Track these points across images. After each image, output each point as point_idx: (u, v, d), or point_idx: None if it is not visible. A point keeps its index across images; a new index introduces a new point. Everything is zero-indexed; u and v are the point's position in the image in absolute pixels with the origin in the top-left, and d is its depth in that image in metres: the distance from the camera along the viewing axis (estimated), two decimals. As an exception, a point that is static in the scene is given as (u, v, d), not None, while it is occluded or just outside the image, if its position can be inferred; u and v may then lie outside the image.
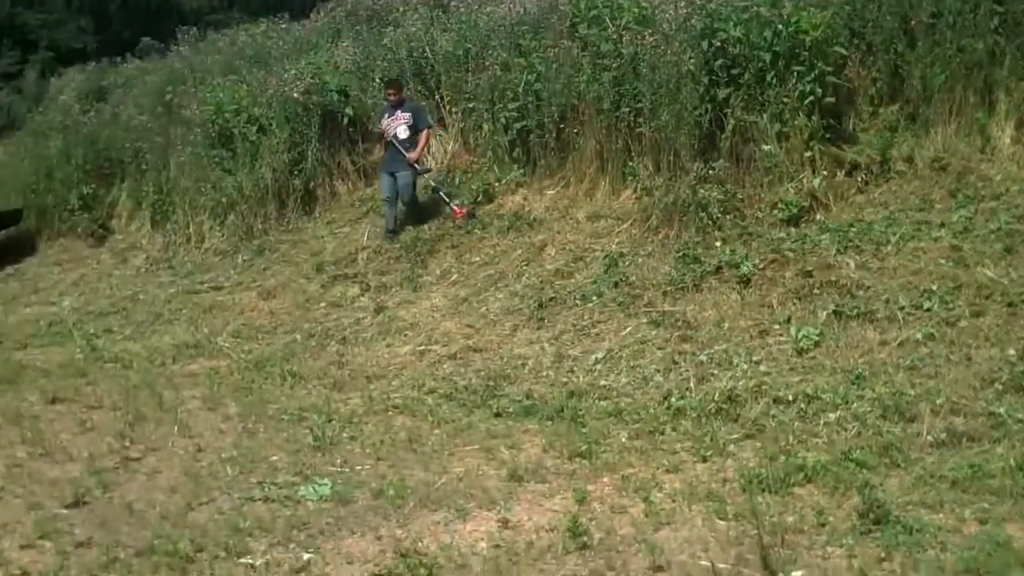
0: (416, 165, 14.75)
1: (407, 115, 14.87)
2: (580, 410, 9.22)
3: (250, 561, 6.52)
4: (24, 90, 31.13)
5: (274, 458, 8.65)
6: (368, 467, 8.37)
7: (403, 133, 14.77)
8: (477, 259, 13.17)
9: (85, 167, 20.59)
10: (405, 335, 11.97)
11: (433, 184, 14.97)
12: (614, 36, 13.36)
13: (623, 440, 8.48)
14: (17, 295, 17.94)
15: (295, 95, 16.82)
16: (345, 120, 16.65)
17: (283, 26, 21.93)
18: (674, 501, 7.14)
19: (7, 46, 47.49)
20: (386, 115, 15.07)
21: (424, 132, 14.89)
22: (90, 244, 19.67)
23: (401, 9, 19.44)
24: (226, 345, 12.74)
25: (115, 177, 20.45)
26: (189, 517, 7.43)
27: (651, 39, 12.82)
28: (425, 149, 15.21)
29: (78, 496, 7.77)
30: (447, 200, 14.53)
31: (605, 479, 7.70)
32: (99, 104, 24.20)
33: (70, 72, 29.43)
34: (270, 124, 17.01)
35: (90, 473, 8.35)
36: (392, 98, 15.15)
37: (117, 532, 7.12)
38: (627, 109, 12.98)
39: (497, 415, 9.44)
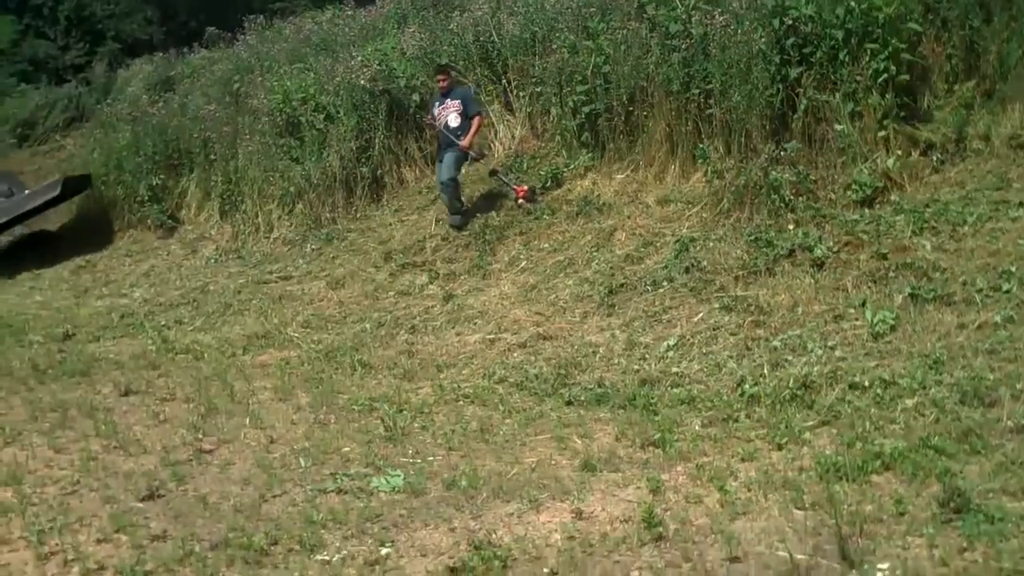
0: (470, 152, 14.76)
1: (456, 102, 14.82)
2: (652, 398, 9.11)
3: (326, 557, 6.47)
4: (92, 81, 31.31)
5: (346, 449, 8.63)
6: (440, 457, 8.32)
7: (454, 121, 14.72)
8: (546, 245, 13.08)
9: (154, 158, 20.73)
10: (474, 323, 11.94)
11: (492, 167, 14.98)
12: (683, 16, 13.23)
13: (696, 428, 8.36)
14: (89, 287, 18.12)
15: (362, 82, 16.86)
16: (412, 107, 16.62)
17: (349, 13, 22.00)
18: (749, 490, 7.00)
19: (75, 38, 48.01)
20: (436, 104, 15.07)
21: (476, 119, 14.80)
22: (160, 235, 19.85)
23: (467, -7, 19.42)
24: (296, 335, 12.77)
25: (184, 168, 20.58)
26: (263, 509, 7.41)
27: (721, 18, 12.68)
28: (478, 136, 15.15)
29: (152, 489, 7.76)
30: (507, 182, 14.58)
31: (679, 468, 7.57)
32: (167, 95, 24.42)
33: (137, 63, 29.73)
34: (337, 112, 17.08)
35: (164, 465, 8.37)
36: (442, 84, 15.09)
37: (192, 525, 7.11)
38: (697, 90, 12.83)
39: (568, 404, 9.37)
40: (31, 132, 30.80)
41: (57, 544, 6.76)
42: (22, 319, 15.34)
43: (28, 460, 8.62)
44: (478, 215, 14.43)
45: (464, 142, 14.53)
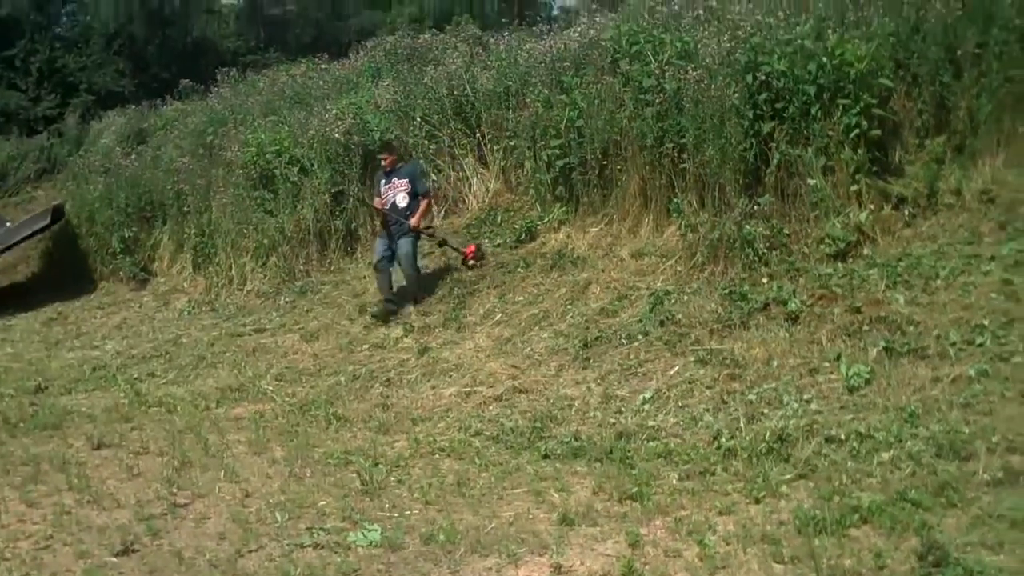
0: (423, 232, 14.44)
1: (404, 181, 14.40)
2: (629, 451, 9.07)
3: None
4: (65, 133, 31.30)
5: (322, 503, 8.58)
6: (417, 511, 8.28)
7: (402, 201, 14.30)
8: (521, 298, 13.10)
9: (127, 210, 20.73)
10: (450, 376, 11.90)
11: (440, 238, 14.71)
12: (656, 71, 13.28)
13: (674, 482, 8.33)
14: (61, 339, 18.02)
15: (336, 135, 16.91)
16: (386, 160, 16.54)
17: (323, 66, 22.11)
18: (728, 544, 7.00)
19: (47, 89, 47.95)
20: (382, 183, 14.58)
21: (425, 200, 14.44)
22: (132, 287, 19.83)
23: (441, 47, 19.57)
24: (270, 388, 12.71)
25: (157, 220, 20.58)
26: (239, 564, 7.38)
27: (694, 74, 12.71)
28: (427, 215, 14.83)
29: (127, 544, 7.73)
30: (456, 248, 14.43)
31: (657, 522, 7.57)
32: (140, 147, 24.43)
33: (110, 115, 29.72)
34: (311, 164, 17.13)
35: (138, 520, 8.33)
36: (386, 162, 14.64)
37: (167, 581, 7.07)
38: (671, 145, 12.88)
39: (545, 457, 9.32)
40: (2, 183, 30.68)
41: (31, 600, 6.71)
42: (-7, 372, 15.25)
43: (0, 515, 8.56)
44: (450, 269, 14.40)
45: (413, 221, 14.13)
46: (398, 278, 14.26)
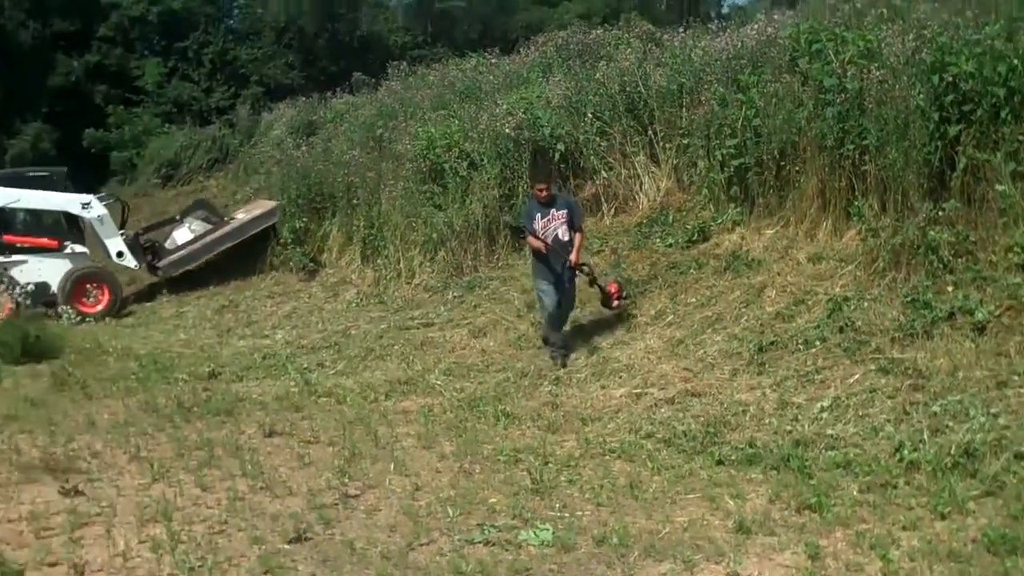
0: (582, 268, 13.14)
1: (563, 212, 12.96)
2: (807, 460, 8.86)
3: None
4: (236, 124, 31.87)
5: (492, 500, 8.55)
6: (588, 512, 8.19)
7: (564, 235, 12.90)
8: (693, 300, 12.90)
9: (297, 201, 21.02)
10: (620, 377, 11.79)
11: (591, 276, 13.34)
12: (838, 70, 12.93)
13: (854, 493, 8.12)
14: (231, 327, 18.39)
15: (507, 130, 16.87)
16: (556, 156, 16.53)
17: (493, 61, 22.06)
18: (913, 560, 6.78)
19: (219, 81, 49.02)
20: (538, 215, 12.93)
21: (580, 233, 13.23)
22: (301, 278, 20.10)
23: (613, 43, 19.39)
24: (438, 383, 12.75)
25: (326, 211, 20.78)
26: (410, 557, 7.35)
27: (877, 73, 12.36)
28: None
29: (300, 532, 7.76)
30: (601, 287, 13.25)
31: (838, 534, 7.38)
32: (310, 138, 24.73)
33: (280, 107, 30.15)
34: (481, 159, 17.11)
35: (310, 508, 8.38)
36: (543, 195, 13.01)
37: (340, 571, 7.11)
38: (851, 146, 12.52)
39: (719, 462, 9.18)
40: (175, 172, 31.49)
41: (207, 584, 6.77)
42: (167, 357, 15.57)
43: (176, 497, 8.70)
44: (623, 266, 14.23)
45: (573, 257, 12.90)
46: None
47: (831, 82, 12.90)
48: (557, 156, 16.51)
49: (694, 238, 14.14)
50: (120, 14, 50.51)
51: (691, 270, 13.55)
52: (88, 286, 21.07)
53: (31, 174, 22.72)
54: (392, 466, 9.52)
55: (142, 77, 49.03)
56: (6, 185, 21.31)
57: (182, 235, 22.43)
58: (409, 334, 15.10)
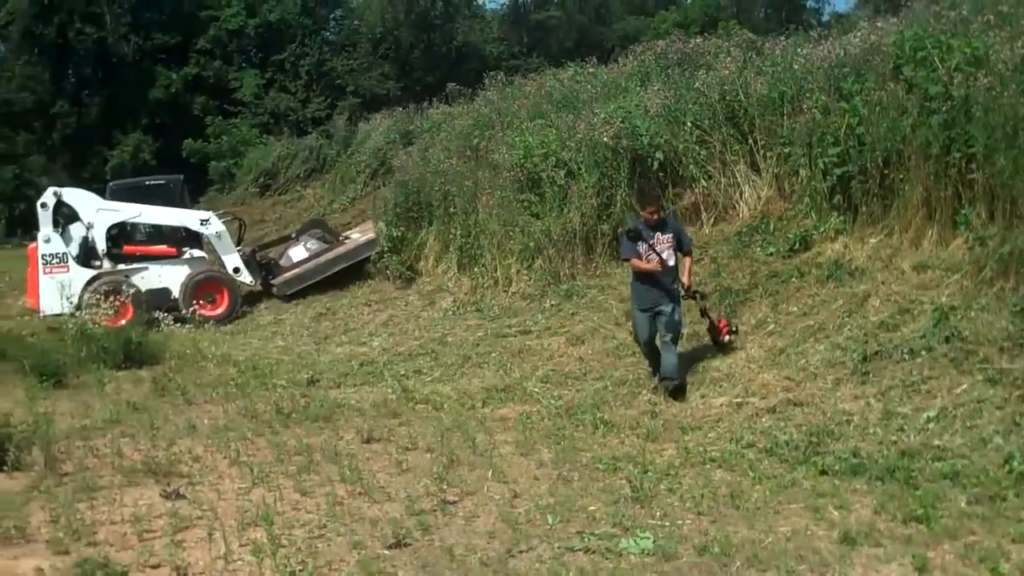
0: (694, 295, 12.70)
1: (669, 236, 12.24)
2: (913, 471, 8.69)
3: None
4: (333, 134, 32.17)
5: (592, 508, 8.50)
6: (689, 521, 8.12)
7: (671, 259, 12.17)
8: (794, 309, 12.72)
9: (395, 210, 21.06)
10: (720, 386, 11.70)
11: (703, 303, 12.91)
12: (943, 78, 12.68)
13: (962, 505, 7.95)
14: (329, 334, 18.57)
15: (605, 139, 16.78)
16: (655, 165, 16.41)
17: (591, 70, 21.99)
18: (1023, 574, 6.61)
19: (315, 91, 49.57)
20: (644, 238, 12.16)
21: (689, 257, 12.59)
22: (398, 286, 20.27)
23: (713, 52, 19.23)
24: (536, 390, 12.75)
25: (423, 220, 20.84)
26: (510, 564, 7.35)
27: (985, 80, 12.09)
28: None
29: (399, 537, 7.80)
30: (713, 319, 12.78)
31: (946, 546, 7.23)
32: (407, 148, 24.85)
33: (377, 117, 30.32)
34: (579, 168, 17.07)
35: (409, 514, 8.40)
36: (655, 216, 12.36)
37: (439, 576, 7.05)
38: (958, 154, 12.24)
39: (822, 473, 9.04)
40: (272, 182, 31.84)
41: (308, 587, 6.78)
42: (266, 364, 15.73)
43: (276, 502, 8.78)
44: (723, 276, 14.09)
45: (686, 279, 12.38)
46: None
47: (936, 89, 12.66)
48: (656, 165, 16.40)
49: (795, 247, 13.93)
50: (219, 27, 51.45)
51: (792, 279, 13.36)
52: (208, 290, 21.57)
53: (149, 183, 23.36)
54: (490, 473, 9.53)
55: (240, 88, 49.87)
56: (127, 197, 21.98)
57: (297, 253, 22.76)
58: (506, 342, 15.11)
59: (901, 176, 13.02)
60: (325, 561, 7.41)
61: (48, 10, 48.39)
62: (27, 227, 41.56)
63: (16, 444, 9.72)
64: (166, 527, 8.12)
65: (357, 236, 23.12)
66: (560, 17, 58.20)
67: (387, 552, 7.61)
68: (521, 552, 7.59)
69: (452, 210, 19.78)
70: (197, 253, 22.17)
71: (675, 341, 12.16)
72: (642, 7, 62.82)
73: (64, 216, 21.96)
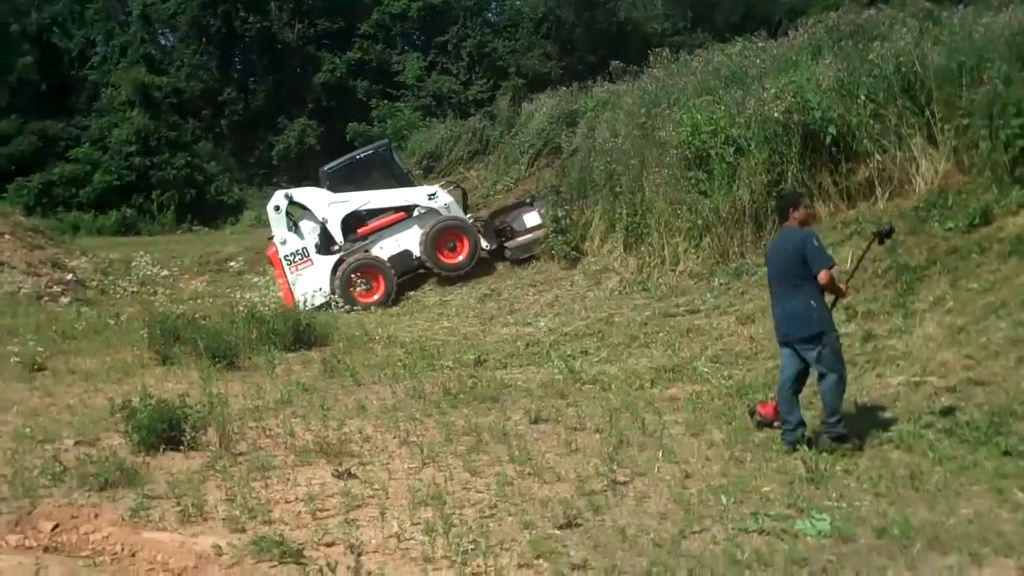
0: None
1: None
2: (1101, 451, 8.32)
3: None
4: (496, 115, 32.18)
5: (765, 488, 8.36)
6: (867, 503, 7.92)
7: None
8: (975, 286, 12.26)
9: (559, 190, 21.02)
10: (897, 365, 11.35)
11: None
12: None
13: None
14: (494, 315, 18.61)
15: (775, 115, 16.46)
16: (828, 139, 16.05)
17: (760, 44, 21.58)
18: None
19: (477, 73, 49.83)
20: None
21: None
22: (563, 266, 20.21)
23: (887, 23, 18.68)
24: (705, 370, 12.60)
25: (588, 199, 20.70)
26: (683, 545, 7.24)
27: None
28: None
29: (570, 517, 7.74)
30: (752, 410, 10.56)
31: None
32: (571, 128, 24.75)
33: (541, 97, 30.21)
34: (748, 145, 16.84)
35: (579, 495, 8.34)
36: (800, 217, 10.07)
37: (612, 557, 7.01)
38: None
39: (1006, 453, 8.70)
40: (436, 164, 31.95)
41: (479, 566, 6.80)
42: (433, 344, 15.80)
43: (446, 481, 8.78)
44: (899, 251, 13.65)
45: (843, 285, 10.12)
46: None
47: None
48: (828, 140, 16.02)
49: (975, 222, 13.39)
50: (381, 11, 52.05)
51: (972, 255, 12.85)
52: (448, 239, 22.04)
53: (359, 157, 23.81)
54: (660, 453, 9.43)
55: (403, 72, 50.37)
56: (345, 181, 22.66)
57: (532, 218, 22.76)
58: (674, 321, 14.96)
59: (1093, 147, 12.48)
60: (497, 540, 7.38)
61: (215, 1, 49.39)
62: (196, 213, 42.65)
63: (192, 424, 9.88)
64: (339, 506, 8.21)
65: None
66: (725, -10, 57.59)
67: (558, 532, 7.55)
68: (694, 533, 7.49)
69: (618, 189, 19.69)
70: (423, 206, 22.60)
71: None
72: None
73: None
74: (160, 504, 8.25)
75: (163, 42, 56.34)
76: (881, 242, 10.49)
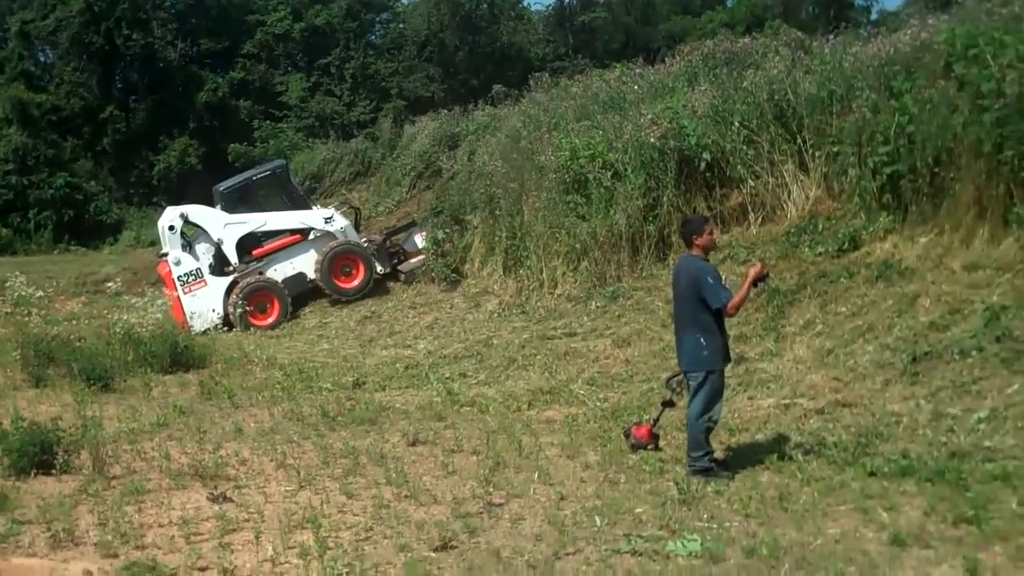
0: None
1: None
2: (963, 472, 8.56)
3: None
4: (378, 137, 32.22)
5: (639, 510, 8.46)
6: (737, 524, 8.05)
7: None
8: (843, 310, 12.58)
9: (439, 212, 21.25)
10: (768, 387, 11.60)
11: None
12: (996, 74, 12.50)
13: (1013, 506, 7.82)
14: (374, 337, 18.64)
15: (651, 140, 16.69)
16: (702, 165, 16.30)
17: (637, 71, 21.83)
18: (1079, 578, 6.52)
19: (361, 95, 49.77)
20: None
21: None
22: (443, 288, 20.32)
23: (761, 51, 19.07)
24: (582, 392, 12.75)
25: (468, 222, 20.81)
26: (557, 567, 7.32)
27: (1038, 77, 11.95)
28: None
29: (445, 540, 7.80)
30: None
31: (997, 548, 7.14)
32: (452, 151, 24.89)
33: (422, 120, 30.38)
34: (625, 169, 17.02)
35: (455, 517, 8.40)
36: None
37: (486, 579, 7.02)
38: (1010, 152, 12.06)
39: (871, 474, 8.91)
40: (318, 185, 31.92)
41: (354, 589, 6.76)
42: (312, 367, 15.77)
43: (323, 504, 8.79)
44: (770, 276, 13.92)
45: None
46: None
47: (989, 87, 12.48)
48: (703, 165, 16.27)
49: (844, 247, 13.76)
50: (265, 31, 51.80)
51: (841, 279, 13.18)
52: (344, 263, 22.01)
53: (256, 178, 23.74)
54: (536, 475, 9.52)
55: (286, 92, 50.09)
56: (238, 198, 22.64)
57: (422, 240, 22.75)
58: (552, 344, 15.07)
59: (952, 175, 12.86)
60: (372, 564, 7.42)
61: (96, 17, 48.68)
62: (74, 232, 41.91)
63: (65, 447, 9.81)
64: (213, 530, 8.19)
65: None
66: (606, 18, 58.09)
67: (433, 555, 7.60)
68: (568, 554, 7.56)
69: (497, 212, 19.77)
70: (318, 229, 22.51)
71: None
72: (688, 7, 62.69)
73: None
74: (30, 529, 8.17)
75: (42, 59, 55.39)
76: (755, 285, 10.04)
